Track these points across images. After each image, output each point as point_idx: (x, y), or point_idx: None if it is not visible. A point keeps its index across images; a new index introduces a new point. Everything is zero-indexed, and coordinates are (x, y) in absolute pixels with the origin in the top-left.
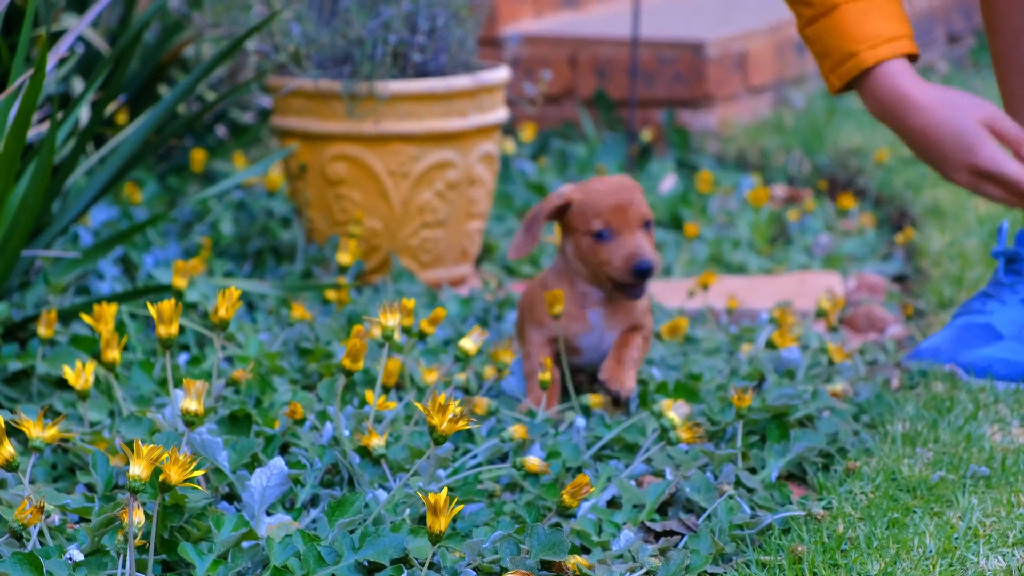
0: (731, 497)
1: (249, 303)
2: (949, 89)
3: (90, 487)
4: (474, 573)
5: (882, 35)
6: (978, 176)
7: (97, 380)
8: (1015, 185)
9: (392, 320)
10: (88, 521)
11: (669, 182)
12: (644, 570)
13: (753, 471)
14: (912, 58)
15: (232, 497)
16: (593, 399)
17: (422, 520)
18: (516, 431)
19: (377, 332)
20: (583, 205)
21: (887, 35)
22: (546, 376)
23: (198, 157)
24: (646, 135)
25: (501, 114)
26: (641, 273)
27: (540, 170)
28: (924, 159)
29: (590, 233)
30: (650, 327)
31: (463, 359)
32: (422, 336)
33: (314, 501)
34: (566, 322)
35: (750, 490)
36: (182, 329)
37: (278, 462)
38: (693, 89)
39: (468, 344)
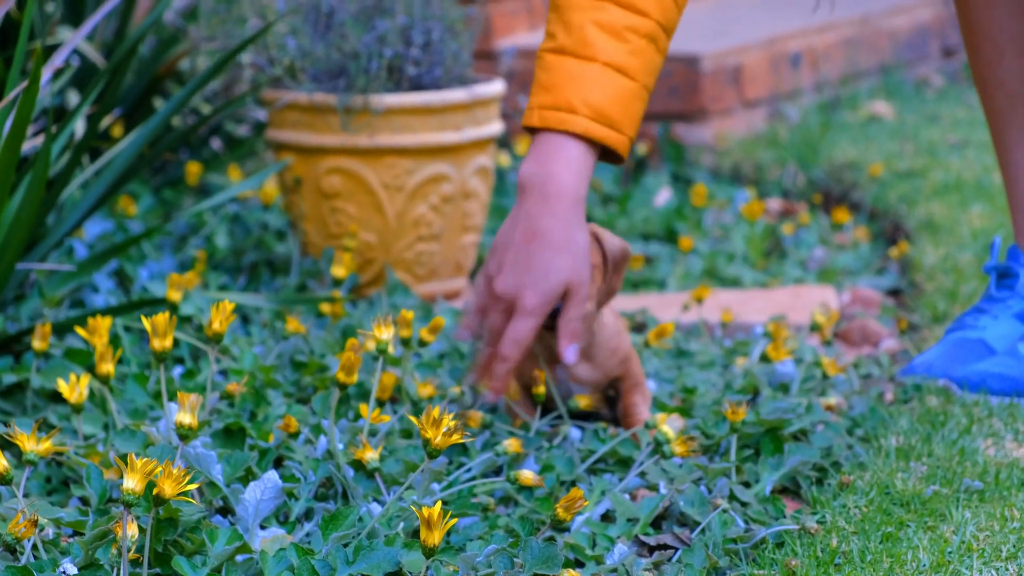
0: (725, 511)
1: (244, 316)
2: (585, 236)
3: (84, 500)
4: None
5: (609, 118)
6: (507, 301)
7: (91, 393)
8: (509, 340)
9: (386, 333)
10: (82, 535)
11: (664, 196)
12: None
13: (747, 485)
14: (612, 158)
15: (226, 511)
16: (583, 401)
17: (416, 534)
18: (510, 445)
19: (371, 345)
20: None
21: (614, 122)
22: (540, 389)
23: (193, 170)
24: (641, 148)
25: (496, 127)
26: (550, 315)
27: None
28: (509, 250)
29: None
30: (637, 372)
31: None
32: (421, 344)
33: (308, 515)
34: (531, 368)
35: (744, 504)
36: (177, 342)
37: (272, 475)
38: (688, 103)
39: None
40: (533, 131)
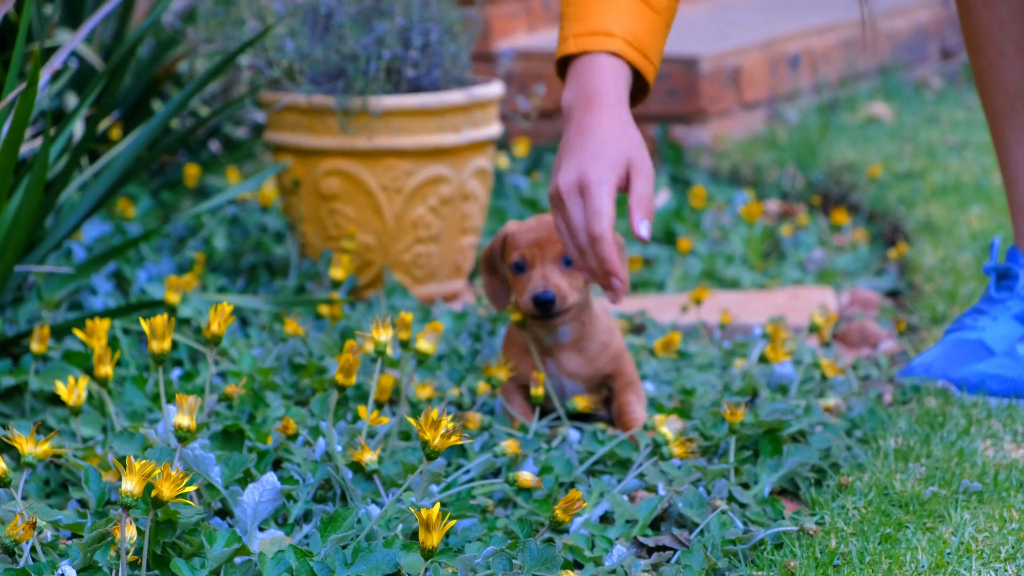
0: (724, 512)
1: (242, 318)
2: (637, 132)
3: (83, 503)
4: None
5: (642, 45)
6: (578, 186)
7: (90, 396)
8: (592, 215)
9: (384, 335)
10: (80, 537)
11: (663, 197)
12: None
13: (746, 486)
14: (641, 87)
15: (225, 513)
16: (581, 402)
17: (415, 535)
18: (509, 446)
19: (370, 347)
20: (511, 239)
21: (645, 50)
22: (538, 391)
23: (192, 172)
24: None
25: (495, 129)
26: (539, 304)
27: (534, 185)
28: (563, 147)
29: (511, 266)
30: (630, 371)
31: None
32: (421, 354)
33: (307, 517)
34: (526, 368)
35: (743, 505)
36: (175, 344)
37: (271, 477)
38: (687, 104)
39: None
40: (566, 64)
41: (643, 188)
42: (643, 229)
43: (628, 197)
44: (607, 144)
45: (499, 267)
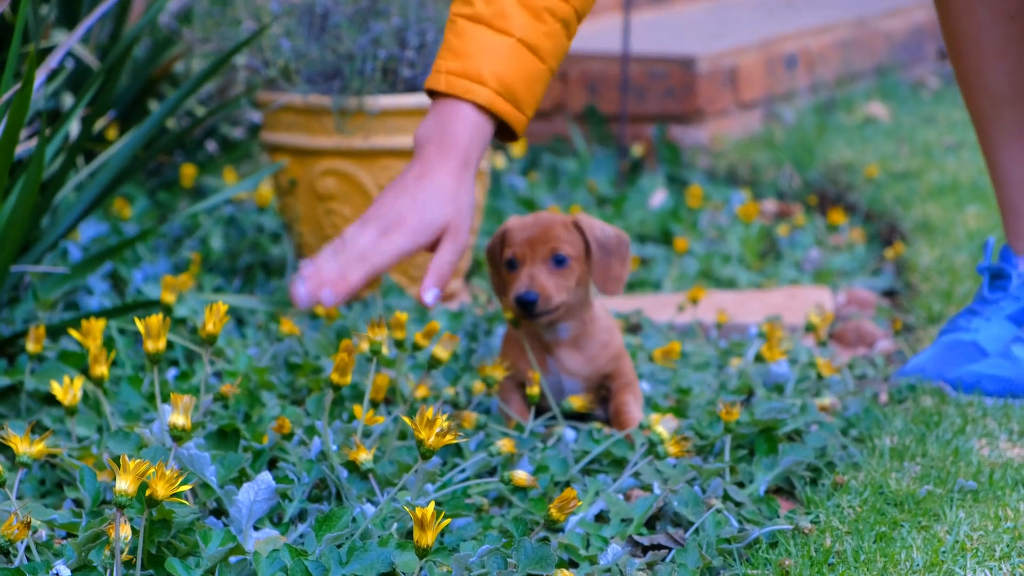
0: (719, 511)
1: (238, 318)
2: (472, 199)
3: (78, 502)
4: None
5: (515, 96)
6: (370, 217)
7: (85, 395)
8: (353, 258)
9: (379, 335)
10: (75, 536)
11: (659, 197)
12: None
13: (741, 485)
14: (507, 135)
15: (220, 512)
16: (576, 402)
17: (410, 534)
18: (504, 445)
19: (366, 347)
20: (508, 235)
21: (519, 100)
22: (534, 390)
23: (188, 172)
24: (637, 150)
25: None
26: (521, 304)
27: (531, 185)
28: (388, 189)
29: (505, 263)
30: (629, 371)
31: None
32: (416, 348)
33: (302, 516)
34: (525, 366)
35: (738, 504)
36: (171, 344)
37: (265, 477)
38: (684, 104)
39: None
40: (435, 95)
41: (447, 256)
42: (428, 297)
43: (431, 261)
44: (433, 206)
45: (499, 262)
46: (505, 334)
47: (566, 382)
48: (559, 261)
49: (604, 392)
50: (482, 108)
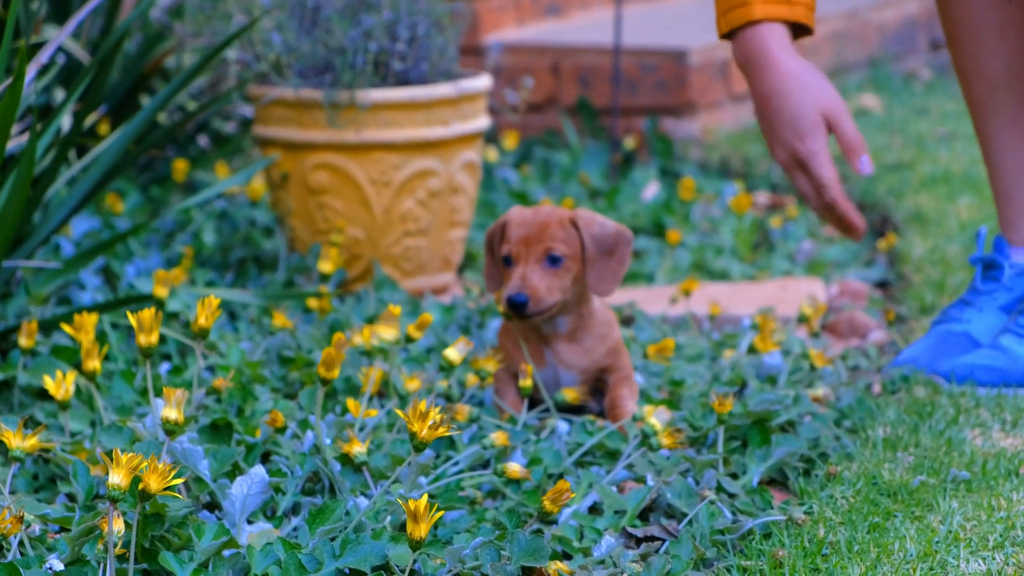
0: (712, 502)
1: (231, 312)
2: (812, 69)
3: (71, 497)
4: None
5: None
6: (795, 161)
7: (78, 390)
8: (821, 188)
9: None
10: (68, 531)
11: (652, 189)
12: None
13: (734, 476)
14: (803, 30)
15: (213, 506)
16: (570, 395)
17: (403, 527)
18: (497, 438)
19: (358, 340)
20: (507, 229)
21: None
22: (527, 383)
23: (180, 167)
24: (629, 143)
25: (483, 122)
26: (512, 306)
27: (523, 178)
28: (760, 122)
29: (502, 258)
30: (626, 365)
31: (447, 369)
32: (409, 340)
33: (295, 509)
34: (521, 357)
35: (731, 495)
36: (163, 339)
37: (259, 470)
38: (676, 97)
39: (453, 354)
40: (730, 35)
41: (847, 131)
42: (865, 167)
43: (837, 142)
44: (797, 114)
45: (496, 252)
46: (501, 325)
47: (563, 375)
48: (553, 260)
49: (600, 385)
50: (763, 21)
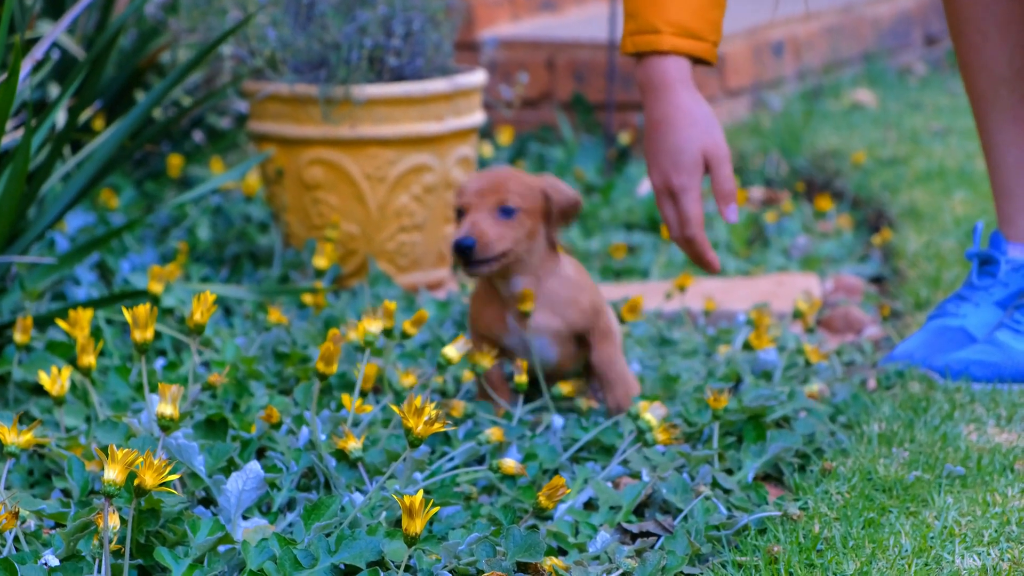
0: (707, 498)
1: (226, 308)
2: (704, 108)
3: (66, 492)
4: (450, 575)
5: (690, 30)
6: (667, 191)
7: (73, 386)
8: (685, 221)
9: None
10: (64, 526)
11: (647, 185)
12: (620, 571)
13: (730, 472)
14: (705, 63)
15: (208, 501)
16: (565, 387)
17: (398, 523)
18: (493, 434)
19: (354, 336)
20: (460, 188)
21: (695, 32)
22: (522, 379)
23: (175, 162)
24: (624, 138)
25: (478, 118)
26: (458, 250)
27: None
28: (645, 144)
29: (455, 212)
30: (606, 325)
31: (444, 366)
32: (404, 336)
33: (291, 505)
34: (489, 324)
35: (726, 491)
36: (158, 334)
37: (254, 466)
38: None
39: (451, 352)
40: (634, 55)
41: (722, 177)
42: (732, 215)
43: (712, 185)
44: (680, 148)
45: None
46: (473, 292)
47: (533, 341)
48: (507, 212)
49: (585, 351)
50: (665, 53)
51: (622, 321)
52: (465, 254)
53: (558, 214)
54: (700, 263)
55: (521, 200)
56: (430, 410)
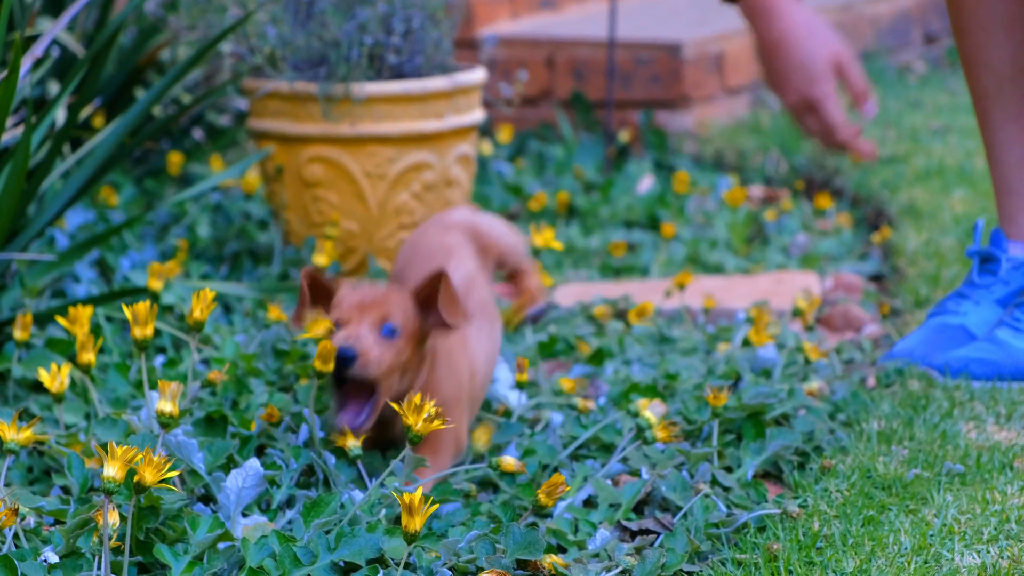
0: (707, 496)
1: (226, 305)
2: (817, 18)
3: (65, 489)
4: (450, 573)
5: None
6: (805, 105)
7: (73, 383)
8: (831, 129)
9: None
10: (63, 523)
11: (646, 183)
12: (620, 569)
13: (729, 470)
14: None
15: (208, 499)
16: (566, 384)
17: (398, 520)
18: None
19: None
20: (338, 298)
21: None
22: (522, 377)
23: (175, 160)
24: (623, 136)
25: (478, 115)
26: (338, 361)
27: (517, 171)
28: (767, 69)
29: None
30: (440, 436)
31: None
32: None
33: (290, 502)
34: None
35: (726, 488)
36: (159, 332)
37: (253, 463)
38: (670, 90)
39: None
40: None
41: (854, 79)
42: (871, 109)
43: (846, 87)
44: (809, 60)
45: (307, 296)
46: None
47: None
48: (389, 331)
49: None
50: None
51: (628, 326)
52: (345, 365)
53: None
54: (862, 157)
55: (404, 320)
56: (429, 407)
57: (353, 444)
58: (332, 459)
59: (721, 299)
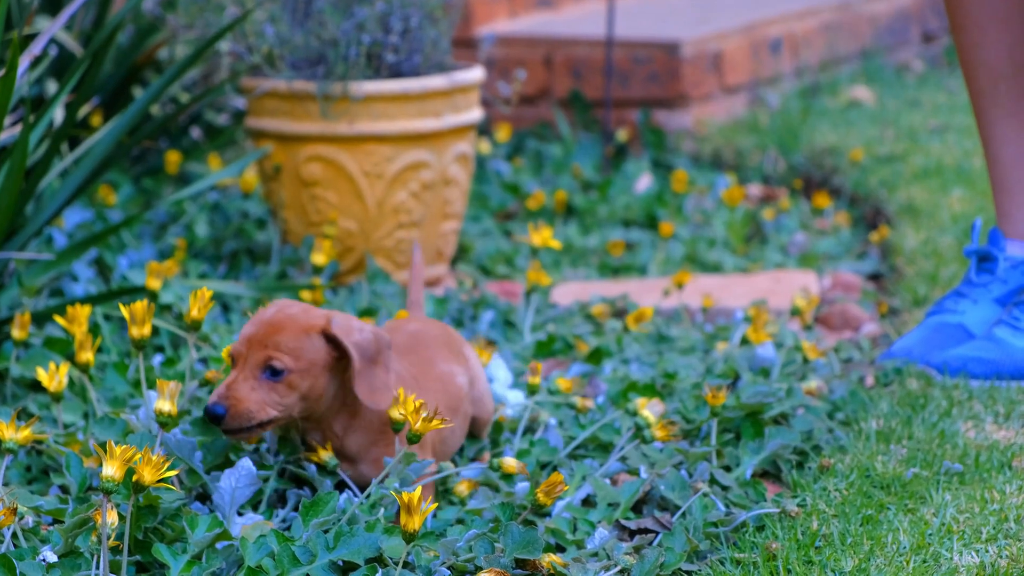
0: (705, 495)
1: (224, 304)
2: None
3: (64, 489)
4: (448, 572)
5: None
6: None
7: (71, 382)
8: None
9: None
10: (62, 522)
11: (644, 182)
12: (618, 568)
13: (728, 469)
14: None
15: (206, 498)
16: (563, 384)
17: (397, 519)
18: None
19: None
20: (246, 325)
21: None
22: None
23: (173, 159)
24: (621, 135)
25: (476, 114)
26: (208, 416)
27: (515, 170)
28: None
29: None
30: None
31: None
32: None
33: (282, 499)
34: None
35: (725, 488)
36: (156, 330)
37: (245, 463)
38: (668, 89)
39: None
40: None
41: None
42: None
43: None
44: None
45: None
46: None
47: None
48: (275, 372)
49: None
50: None
51: (626, 329)
52: (216, 422)
53: (360, 359)
54: None
55: (293, 360)
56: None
57: (328, 456)
58: (313, 467)
59: (719, 298)
